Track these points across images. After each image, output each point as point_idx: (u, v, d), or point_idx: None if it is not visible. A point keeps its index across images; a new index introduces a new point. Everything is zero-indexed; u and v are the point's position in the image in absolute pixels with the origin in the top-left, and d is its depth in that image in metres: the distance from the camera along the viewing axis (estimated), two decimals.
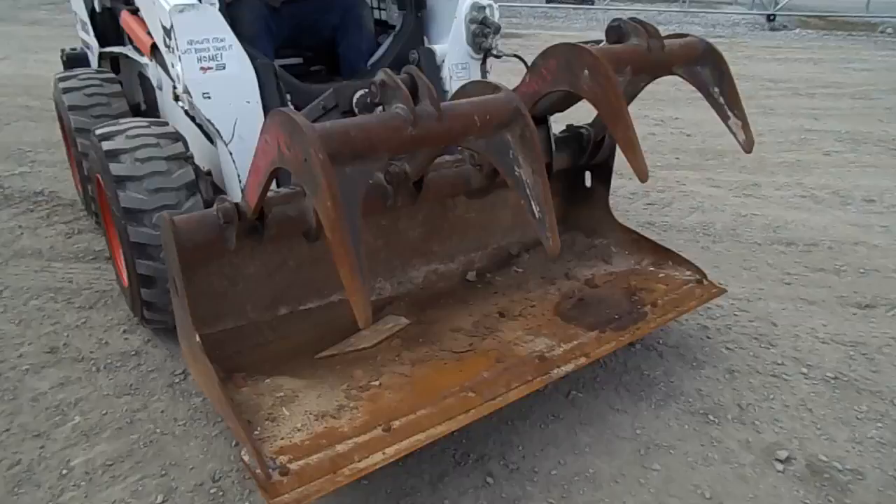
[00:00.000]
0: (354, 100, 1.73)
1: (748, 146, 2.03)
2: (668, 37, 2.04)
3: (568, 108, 2.26)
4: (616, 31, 1.97)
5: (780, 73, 8.02)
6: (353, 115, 1.74)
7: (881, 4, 12.93)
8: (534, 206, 1.61)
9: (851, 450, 1.98)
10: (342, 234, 1.28)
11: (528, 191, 1.60)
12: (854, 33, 11.96)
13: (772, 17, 12.85)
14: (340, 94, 2.16)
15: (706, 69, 2.02)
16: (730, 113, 2.02)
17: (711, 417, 2.11)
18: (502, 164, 1.63)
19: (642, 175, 1.79)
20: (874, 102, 6.54)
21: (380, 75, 1.54)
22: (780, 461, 1.93)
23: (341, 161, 1.33)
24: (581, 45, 1.80)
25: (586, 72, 1.76)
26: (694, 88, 2.10)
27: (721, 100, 2.03)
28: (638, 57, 1.89)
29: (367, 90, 1.64)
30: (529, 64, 1.97)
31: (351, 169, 1.36)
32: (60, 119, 3.39)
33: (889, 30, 12.07)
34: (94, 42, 3.49)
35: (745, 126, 2.01)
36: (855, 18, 13.11)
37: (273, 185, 2.23)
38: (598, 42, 2.16)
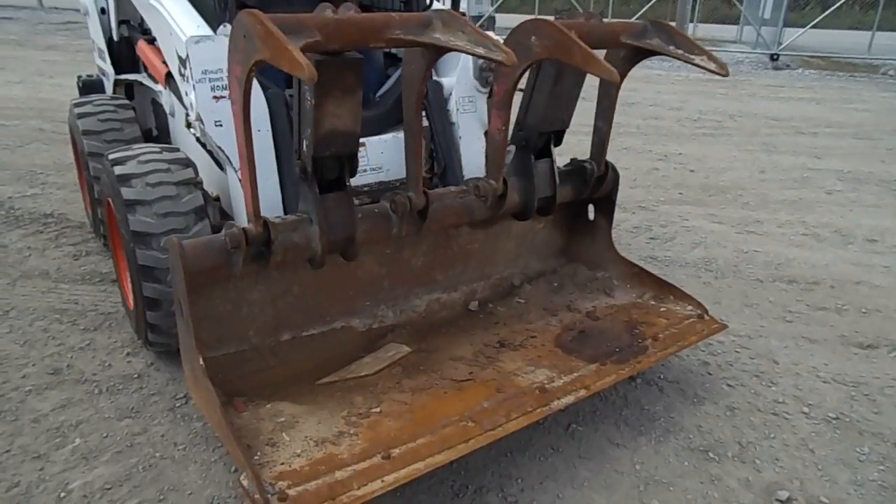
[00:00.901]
0: None
1: (723, 69, 2.06)
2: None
3: (564, 118, 2.32)
4: (560, 14, 2.11)
5: (783, 112, 8.12)
6: None
7: (883, 47, 13.15)
8: (478, 49, 1.66)
9: (853, 492, 1.96)
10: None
11: (467, 46, 1.67)
12: (856, 74, 12.13)
13: (775, 57, 13.06)
14: None
15: (655, 37, 2.12)
16: (693, 56, 2.08)
17: (711, 455, 2.10)
18: (437, 47, 1.74)
19: (610, 74, 1.79)
20: (876, 143, 6.62)
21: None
22: (781, 502, 1.92)
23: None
24: (521, 22, 1.92)
25: (533, 38, 1.86)
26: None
27: (681, 51, 2.09)
28: (579, 27, 1.98)
29: None
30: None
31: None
32: (74, 143, 3.45)
33: (891, 72, 12.24)
34: (110, 69, 3.58)
35: (711, 56, 2.06)
36: (857, 60, 13.31)
37: (281, 212, 2.29)
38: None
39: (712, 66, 2.03)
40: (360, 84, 1.79)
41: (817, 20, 13.86)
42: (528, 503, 1.88)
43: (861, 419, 2.29)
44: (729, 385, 2.47)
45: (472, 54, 1.70)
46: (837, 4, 14.11)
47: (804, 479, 2.01)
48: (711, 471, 2.03)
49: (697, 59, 2.05)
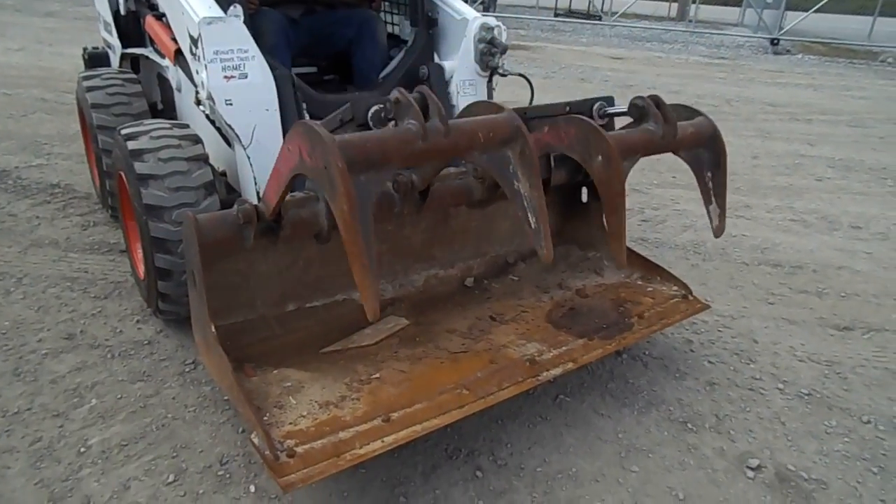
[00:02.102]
0: (370, 114, 1.87)
1: (718, 232, 2.27)
2: (678, 106, 2.20)
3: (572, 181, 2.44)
4: (638, 110, 2.10)
5: (780, 98, 8.19)
6: (368, 128, 1.88)
7: (884, 34, 13.14)
8: (530, 218, 1.75)
9: (818, 461, 2.11)
10: (356, 235, 1.42)
11: (525, 203, 1.75)
12: (855, 61, 12.16)
13: (775, 42, 13.06)
14: (356, 108, 2.30)
15: (707, 154, 2.19)
16: (713, 199, 2.23)
17: (690, 426, 2.24)
18: (503, 177, 1.77)
19: (620, 263, 2.03)
20: (869, 131, 6.71)
21: (394, 93, 1.68)
22: (751, 469, 2.06)
23: (357, 170, 1.47)
24: (601, 130, 1.94)
25: (600, 157, 1.93)
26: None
27: (710, 185, 2.21)
28: (650, 143, 2.06)
29: (381, 105, 1.79)
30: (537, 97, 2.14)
31: (365, 177, 1.51)
32: (82, 115, 3.52)
33: (890, 59, 12.27)
34: (116, 42, 3.63)
35: (722, 215, 2.23)
36: (857, 46, 13.32)
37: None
38: (610, 102, 2.34)
39: (715, 222, 2.24)
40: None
41: (820, 4, 13.82)
42: (517, 466, 2.02)
43: (832, 395, 2.44)
44: (710, 362, 2.61)
45: (521, 216, 1.76)
46: None
47: (774, 448, 2.15)
48: (689, 440, 2.17)
49: (711, 207, 2.22)
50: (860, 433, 2.24)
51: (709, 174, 2.20)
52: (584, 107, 2.34)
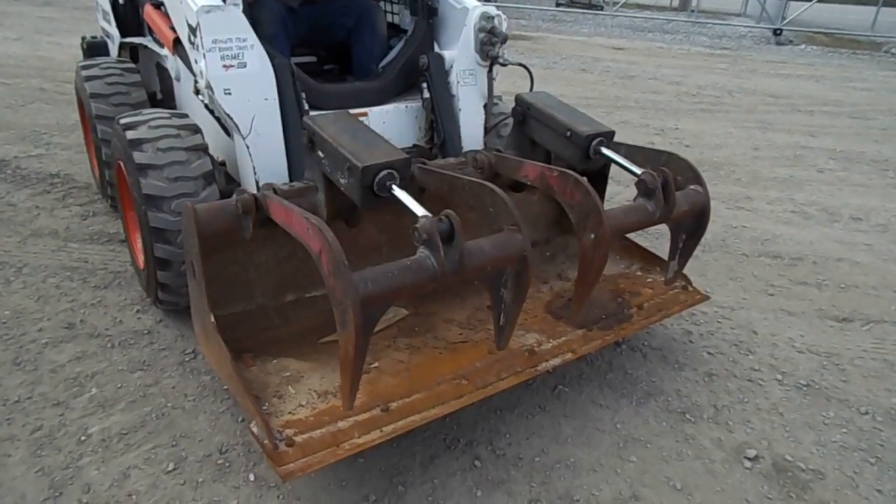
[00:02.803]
0: (376, 181, 1.85)
1: (668, 283, 2.38)
2: (679, 162, 2.25)
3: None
4: (644, 186, 2.09)
5: (782, 89, 8.16)
6: (372, 192, 1.88)
7: (887, 24, 13.07)
8: (502, 318, 1.82)
9: (815, 452, 2.12)
10: (353, 358, 1.49)
11: (502, 306, 1.81)
12: (858, 52, 12.10)
13: (778, 32, 12.98)
14: (365, 174, 2.15)
15: (690, 222, 2.23)
16: (677, 259, 2.31)
17: (688, 416, 2.25)
18: (492, 284, 1.80)
19: (576, 321, 2.18)
20: (871, 122, 6.69)
21: (421, 228, 1.63)
22: (749, 459, 2.07)
23: (369, 307, 1.50)
24: (600, 207, 1.95)
25: (592, 236, 1.96)
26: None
27: (680, 246, 2.27)
28: (644, 222, 2.09)
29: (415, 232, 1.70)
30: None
31: (374, 308, 1.53)
32: (80, 105, 3.51)
33: (893, 49, 12.20)
34: (115, 31, 3.62)
35: (679, 272, 2.34)
36: (860, 37, 13.25)
37: (286, 179, 2.38)
38: (610, 137, 2.37)
39: (669, 273, 2.35)
40: None
41: None
42: (515, 456, 2.03)
43: (830, 387, 2.44)
44: (709, 353, 2.61)
45: (495, 319, 1.86)
46: None
47: (772, 439, 2.16)
48: (687, 431, 2.18)
49: (672, 263, 2.33)
50: (858, 424, 2.25)
51: (683, 237, 2.25)
52: (582, 143, 2.32)
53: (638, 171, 2.12)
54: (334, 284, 1.50)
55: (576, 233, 2.02)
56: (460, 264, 1.64)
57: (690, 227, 2.24)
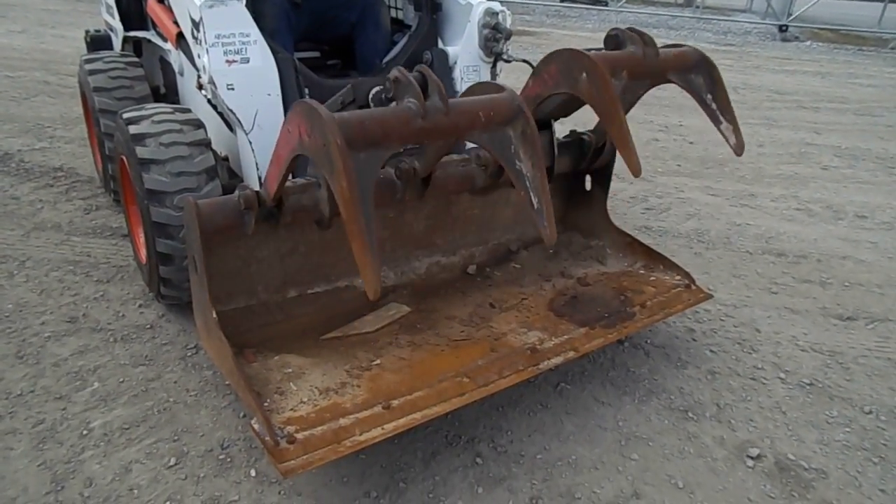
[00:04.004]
0: (370, 95, 1.85)
1: (739, 149, 2.14)
2: (665, 47, 2.17)
3: (569, 113, 2.38)
4: (614, 40, 2.10)
5: (787, 85, 8.12)
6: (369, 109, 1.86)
7: (893, 21, 12.97)
8: (533, 198, 1.72)
9: (818, 451, 2.11)
10: (355, 213, 1.41)
11: (527, 183, 1.72)
12: (864, 48, 12.03)
13: (784, 28, 12.90)
14: (357, 89, 2.28)
15: (699, 77, 2.13)
16: (721, 118, 2.13)
17: (690, 414, 2.24)
18: (504, 158, 1.75)
19: (635, 170, 1.89)
20: (876, 119, 6.65)
21: (394, 72, 1.66)
22: (751, 458, 2.06)
23: (356, 147, 1.45)
24: (580, 50, 1.93)
25: (584, 75, 1.90)
26: None
27: (713, 106, 2.13)
28: (633, 62, 2.01)
29: (382, 87, 1.76)
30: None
31: (365, 154, 1.49)
32: (84, 98, 3.50)
33: None
34: (118, 25, 3.61)
35: (736, 130, 2.12)
36: (866, 33, 13.16)
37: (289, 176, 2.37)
38: (598, 50, 2.29)
39: (732, 140, 2.10)
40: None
41: None
42: (517, 453, 2.02)
43: (833, 385, 2.43)
44: (712, 351, 2.60)
45: (524, 196, 1.72)
46: None
47: (774, 438, 2.15)
48: (689, 429, 2.18)
49: (723, 126, 2.10)
50: (861, 423, 2.24)
51: (709, 96, 2.12)
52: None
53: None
54: (312, 132, 1.45)
55: (578, 95, 1.95)
56: (445, 106, 1.60)
57: (704, 82, 2.11)
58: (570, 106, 2.26)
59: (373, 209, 1.45)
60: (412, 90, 1.60)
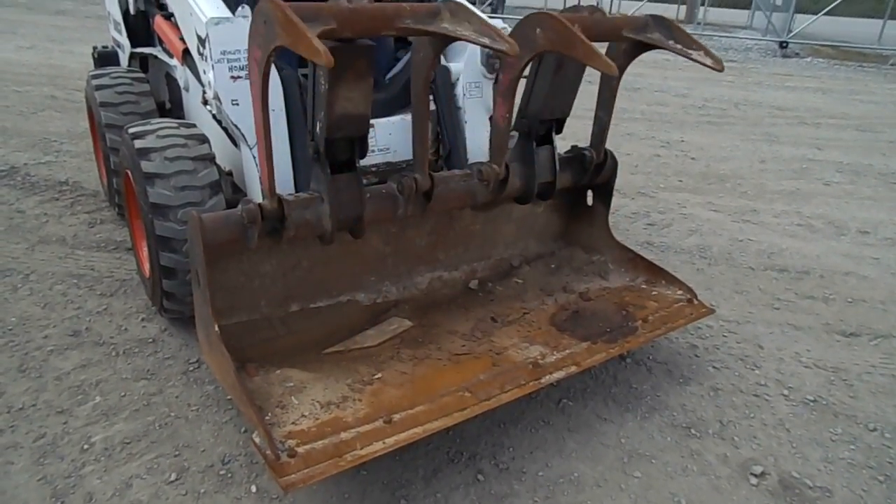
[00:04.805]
0: None
1: (718, 65, 2.14)
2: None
3: (565, 107, 2.40)
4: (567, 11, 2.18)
5: (788, 101, 8.15)
6: None
7: (893, 37, 13.05)
8: (483, 39, 1.77)
9: (823, 469, 2.10)
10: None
11: (474, 36, 1.78)
12: (865, 64, 12.09)
13: (784, 45, 12.99)
14: None
15: (656, 32, 2.20)
16: (690, 50, 2.16)
17: (693, 431, 2.23)
18: (447, 36, 1.84)
19: (610, 68, 1.86)
20: (878, 135, 6.67)
21: None
22: (755, 476, 2.05)
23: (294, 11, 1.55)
24: (526, 16, 2.00)
25: (538, 30, 1.95)
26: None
27: (679, 45, 2.18)
28: (583, 20, 2.05)
29: None
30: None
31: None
32: (90, 113, 3.54)
33: None
34: (125, 42, 3.65)
35: (708, 52, 2.14)
36: (867, 50, 13.23)
37: (292, 189, 2.38)
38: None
39: (708, 60, 2.11)
40: (371, 70, 1.88)
41: (830, 7, 13.74)
42: (519, 470, 2.01)
43: (837, 402, 2.42)
44: (714, 367, 2.59)
45: (478, 44, 1.80)
46: None
47: (778, 455, 2.14)
48: (692, 446, 2.16)
49: (694, 54, 2.12)
50: (866, 441, 2.23)
51: (671, 42, 2.18)
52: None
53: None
54: (256, 26, 1.63)
55: (535, 52, 2.00)
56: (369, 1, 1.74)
57: (662, 31, 2.20)
58: (557, 87, 2.29)
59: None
60: None
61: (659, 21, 2.21)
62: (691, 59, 2.14)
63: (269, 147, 1.85)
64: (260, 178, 2.30)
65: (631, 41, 2.23)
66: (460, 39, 1.84)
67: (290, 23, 1.52)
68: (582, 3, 2.37)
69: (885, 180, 5.19)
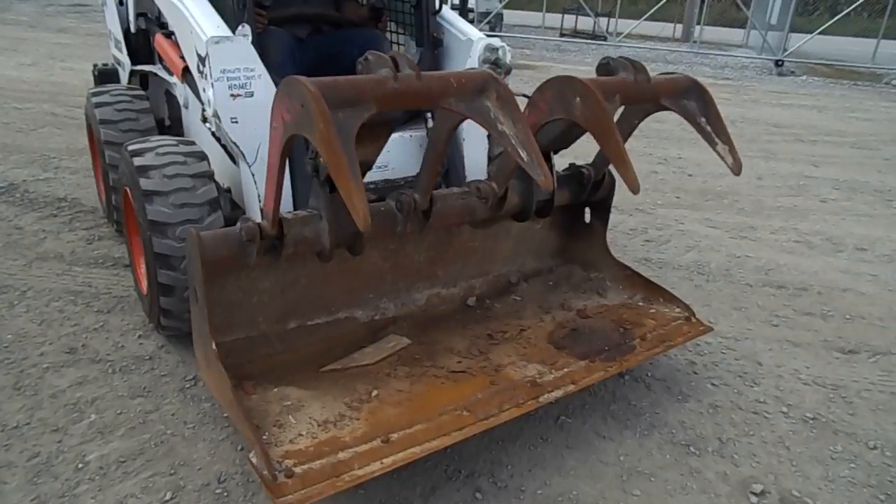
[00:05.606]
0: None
1: (736, 168, 2.14)
2: (658, 75, 2.21)
3: (568, 144, 2.40)
4: (605, 67, 2.14)
5: (785, 119, 8.21)
6: None
7: (887, 56, 13.20)
8: (521, 153, 1.73)
9: (824, 487, 2.08)
10: (338, 152, 1.44)
11: (512, 141, 1.73)
12: (860, 83, 12.20)
13: (780, 63, 13.12)
14: None
15: (692, 102, 2.16)
16: (717, 140, 2.15)
17: (692, 449, 2.22)
18: (486, 123, 1.77)
19: (634, 187, 1.90)
20: (874, 153, 6.71)
21: (366, 55, 1.71)
22: (755, 494, 2.03)
23: (333, 105, 1.49)
24: (572, 76, 1.97)
25: (578, 99, 1.93)
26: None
27: (708, 128, 2.15)
28: (626, 87, 2.04)
29: (359, 64, 1.78)
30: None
31: (343, 113, 1.52)
32: (90, 130, 3.55)
33: (894, 81, 12.30)
34: (126, 59, 3.68)
35: (732, 150, 2.13)
36: (861, 68, 13.37)
37: (290, 207, 2.39)
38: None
39: (729, 159, 2.11)
40: (390, 131, 1.88)
41: (825, 27, 13.91)
42: (517, 488, 2.00)
43: (837, 420, 2.41)
44: (713, 384, 2.58)
45: (510, 151, 1.72)
46: (846, 11, 14.15)
47: (778, 473, 2.12)
48: (692, 464, 2.15)
49: (719, 147, 2.12)
50: (866, 459, 2.21)
51: (702, 119, 2.14)
52: None
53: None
54: (291, 99, 1.49)
55: (574, 119, 1.96)
56: (416, 73, 1.65)
57: (698, 107, 2.14)
58: (568, 136, 2.29)
59: (354, 152, 1.49)
60: (384, 62, 1.66)
61: (699, 92, 2.16)
62: (713, 149, 2.13)
63: (279, 177, 1.78)
64: (262, 207, 2.31)
65: (664, 108, 2.18)
66: (494, 137, 1.78)
67: (330, 143, 1.44)
68: (615, 58, 2.32)
69: (882, 197, 5.21)
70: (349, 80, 1.59)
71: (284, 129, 1.61)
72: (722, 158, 2.13)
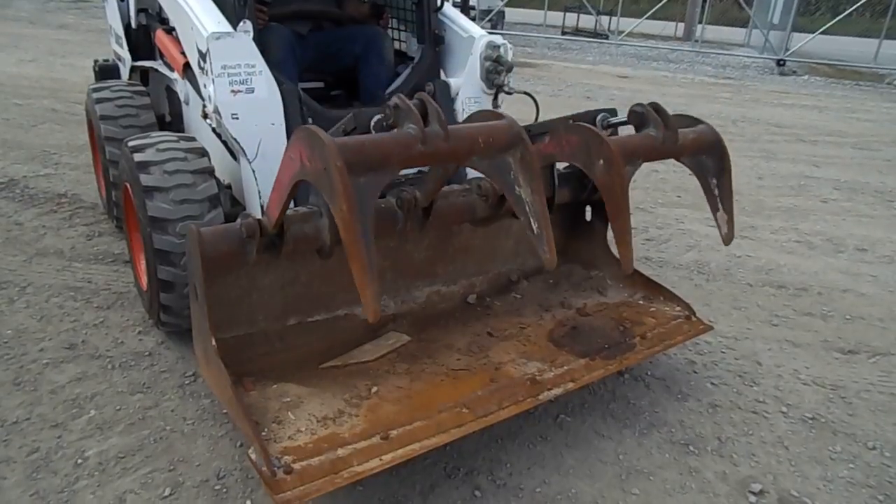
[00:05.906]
0: (372, 123, 1.87)
1: (727, 240, 2.19)
2: (678, 115, 2.18)
3: (578, 198, 2.43)
4: (637, 117, 2.09)
5: (786, 119, 8.21)
6: None
7: (889, 56, 13.19)
8: (533, 224, 1.73)
9: (822, 487, 2.08)
10: (356, 236, 1.42)
11: (527, 208, 1.72)
12: (861, 83, 12.19)
13: (781, 62, 13.11)
14: (359, 118, 2.31)
15: (710, 161, 2.15)
16: (720, 206, 2.16)
17: (691, 448, 2.22)
18: (504, 184, 1.76)
19: (627, 267, 1.98)
20: (875, 153, 6.71)
21: (394, 99, 1.68)
22: (754, 493, 2.03)
23: (356, 171, 1.46)
24: (603, 136, 1.94)
25: (601, 161, 1.91)
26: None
27: (716, 192, 2.16)
28: (651, 148, 2.03)
29: (383, 114, 1.78)
30: (549, 127, 2.14)
31: (365, 179, 1.50)
32: (90, 126, 3.55)
33: None
34: (126, 55, 3.68)
35: (730, 221, 2.16)
36: (863, 68, 13.36)
37: (291, 204, 2.39)
38: (613, 113, 2.32)
39: (724, 230, 2.15)
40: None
41: (827, 26, 13.89)
42: (516, 487, 2.00)
43: (836, 420, 2.41)
44: (713, 383, 2.58)
45: (524, 223, 1.72)
46: (848, 12, 14.14)
47: (777, 473, 2.12)
48: (691, 463, 2.15)
49: (719, 214, 2.14)
50: (865, 459, 2.21)
51: (714, 181, 2.15)
52: (586, 118, 2.33)
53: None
54: (313, 156, 1.44)
55: (588, 174, 1.96)
56: (445, 132, 1.60)
57: (713, 166, 2.13)
58: (579, 187, 2.33)
59: (372, 233, 1.46)
60: (412, 116, 1.62)
61: (721, 151, 2.14)
62: (712, 213, 2.15)
63: (282, 190, 1.73)
64: (262, 204, 2.30)
65: (681, 162, 2.17)
66: (510, 200, 1.76)
67: (349, 226, 1.40)
68: (646, 107, 2.30)
69: (882, 198, 5.21)
70: (375, 143, 1.54)
71: (301, 170, 1.55)
72: (717, 226, 2.17)
